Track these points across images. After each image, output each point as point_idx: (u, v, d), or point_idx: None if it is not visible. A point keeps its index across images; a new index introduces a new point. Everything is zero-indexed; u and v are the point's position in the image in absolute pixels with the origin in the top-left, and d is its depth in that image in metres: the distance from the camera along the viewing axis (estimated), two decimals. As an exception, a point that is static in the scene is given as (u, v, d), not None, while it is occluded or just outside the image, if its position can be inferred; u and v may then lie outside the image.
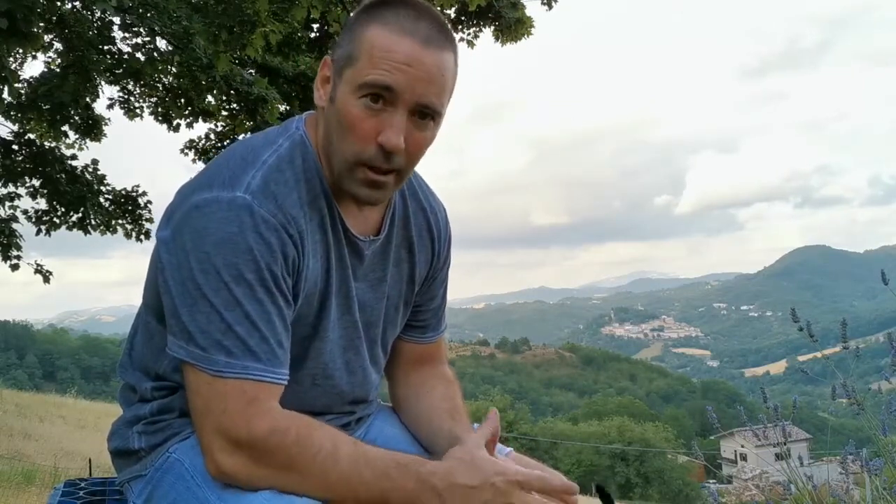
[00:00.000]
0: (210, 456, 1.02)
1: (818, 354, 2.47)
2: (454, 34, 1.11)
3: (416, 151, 1.08)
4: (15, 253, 9.40)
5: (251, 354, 1.01)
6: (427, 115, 1.06)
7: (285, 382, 1.05)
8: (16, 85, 5.92)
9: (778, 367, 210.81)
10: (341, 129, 1.06)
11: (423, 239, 1.29)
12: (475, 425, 1.24)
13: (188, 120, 9.75)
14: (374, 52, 1.03)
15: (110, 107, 9.88)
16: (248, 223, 1.01)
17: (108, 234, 9.95)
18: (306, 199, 1.09)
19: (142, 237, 10.16)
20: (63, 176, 9.40)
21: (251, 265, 1.01)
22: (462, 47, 10.28)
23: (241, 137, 10.14)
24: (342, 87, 1.06)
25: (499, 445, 1.30)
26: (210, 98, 9.37)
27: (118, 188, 10.13)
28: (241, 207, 1.01)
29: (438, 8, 8.44)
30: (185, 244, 1.02)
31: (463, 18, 9.73)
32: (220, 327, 1.00)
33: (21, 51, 8.33)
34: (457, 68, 1.10)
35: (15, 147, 9.25)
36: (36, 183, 9.40)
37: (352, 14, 1.12)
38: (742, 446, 36.82)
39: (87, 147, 10.36)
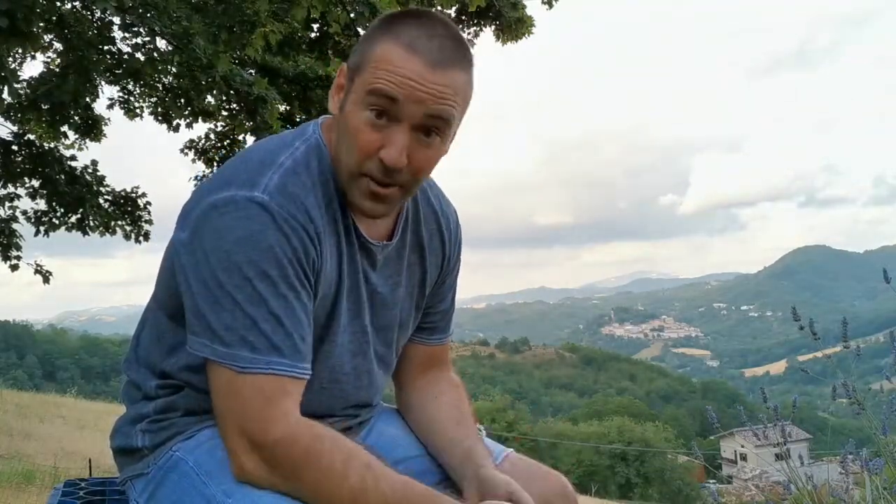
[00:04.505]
0: (233, 456, 1.03)
1: (818, 354, 2.46)
2: (469, 49, 1.10)
3: (421, 167, 1.08)
4: (15, 253, 9.41)
5: (275, 350, 1.01)
6: (432, 131, 1.06)
7: (308, 377, 1.05)
8: (16, 85, 5.91)
9: (778, 367, 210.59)
10: (346, 139, 1.07)
11: (434, 243, 1.29)
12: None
13: (188, 120, 9.72)
14: (380, 63, 1.03)
15: (110, 107, 9.87)
16: (269, 221, 1.02)
17: (108, 235, 9.95)
18: (322, 202, 1.10)
19: (141, 238, 10.15)
20: (62, 177, 9.39)
21: (273, 261, 1.01)
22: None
23: (240, 138, 10.18)
24: (351, 95, 1.07)
25: (498, 446, 1.31)
26: (210, 98, 9.35)
27: (118, 189, 10.12)
28: (260, 206, 1.02)
29: (438, 8, 8.43)
30: (205, 243, 1.02)
31: (463, 18, 9.71)
32: (244, 324, 1.00)
33: (21, 51, 8.32)
34: (471, 84, 1.09)
35: (15, 147, 9.25)
36: (35, 183, 9.39)
37: (371, 24, 1.12)
38: (742, 446, 36.82)
39: (86, 147, 10.37)
